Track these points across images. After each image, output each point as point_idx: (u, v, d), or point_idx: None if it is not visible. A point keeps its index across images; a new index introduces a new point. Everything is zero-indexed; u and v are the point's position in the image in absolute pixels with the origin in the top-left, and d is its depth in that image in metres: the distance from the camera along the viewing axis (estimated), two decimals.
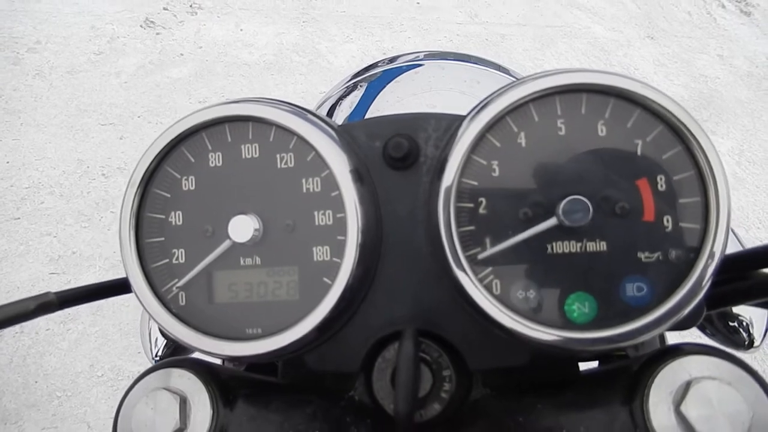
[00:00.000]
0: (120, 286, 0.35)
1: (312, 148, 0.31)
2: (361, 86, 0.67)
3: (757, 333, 0.48)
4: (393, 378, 0.30)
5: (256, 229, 0.30)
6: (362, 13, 2.94)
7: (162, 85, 2.41)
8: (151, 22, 2.66)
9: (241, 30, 2.73)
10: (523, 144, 0.29)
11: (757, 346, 0.49)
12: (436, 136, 0.32)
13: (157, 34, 2.62)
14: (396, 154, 0.31)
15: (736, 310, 0.50)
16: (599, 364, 0.41)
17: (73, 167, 2.05)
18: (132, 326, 1.69)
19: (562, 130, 0.29)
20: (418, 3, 3.06)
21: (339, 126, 0.32)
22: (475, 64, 0.66)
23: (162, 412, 0.31)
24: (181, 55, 2.56)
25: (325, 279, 0.30)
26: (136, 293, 0.30)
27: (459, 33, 2.90)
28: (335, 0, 2.98)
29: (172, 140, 0.32)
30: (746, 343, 0.49)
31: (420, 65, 0.67)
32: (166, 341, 0.53)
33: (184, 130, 0.31)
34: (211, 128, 0.32)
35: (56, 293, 0.33)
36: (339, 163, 0.30)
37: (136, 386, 0.32)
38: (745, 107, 2.67)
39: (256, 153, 0.31)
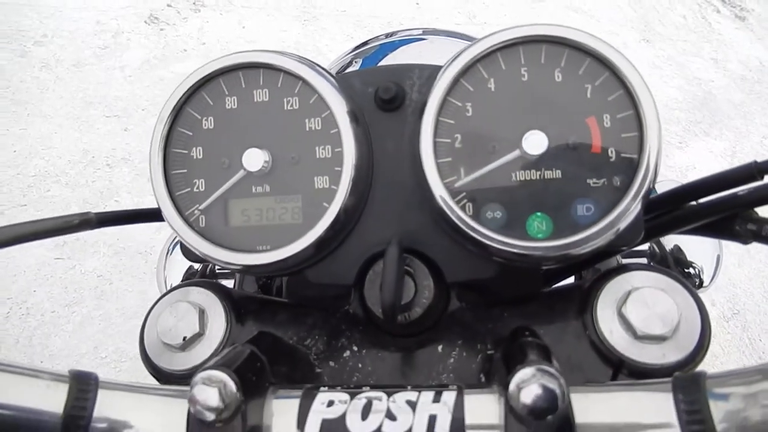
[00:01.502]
0: (151, 214, 0.40)
1: (315, 92, 0.36)
2: (356, 61, 0.73)
3: (707, 277, 0.55)
4: (381, 288, 0.35)
5: (265, 161, 0.36)
6: (362, 12, 3.00)
7: (166, 79, 2.46)
8: (155, 18, 2.72)
9: (244, 27, 2.79)
10: (492, 89, 0.35)
11: (706, 287, 0.55)
12: (419, 83, 0.37)
13: (161, 29, 2.68)
14: (386, 96, 0.36)
15: (691, 257, 0.56)
16: None
17: (78, 157, 2.11)
18: (134, 311, 1.75)
19: (525, 76, 0.35)
20: (417, 3, 3.12)
21: (338, 74, 0.38)
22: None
23: (183, 320, 0.36)
24: (185, 50, 2.61)
25: (324, 204, 0.35)
26: (165, 216, 0.36)
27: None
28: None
29: (193, 85, 0.37)
30: (697, 284, 0.55)
31: (420, 39, 0.73)
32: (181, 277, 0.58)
33: (204, 76, 0.37)
34: (228, 75, 0.37)
35: (96, 213, 0.39)
36: (338, 105, 0.35)
37: (161, 301, 0.38)
38: (738, 110, 2.73)
39: (266, 97, 0.37)
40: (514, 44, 0.35)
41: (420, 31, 0.81)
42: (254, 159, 0.36)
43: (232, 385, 0.25)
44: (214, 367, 0.26)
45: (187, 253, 0.37)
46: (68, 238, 1.86)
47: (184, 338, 0.36)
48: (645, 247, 0.65)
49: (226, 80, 0.37)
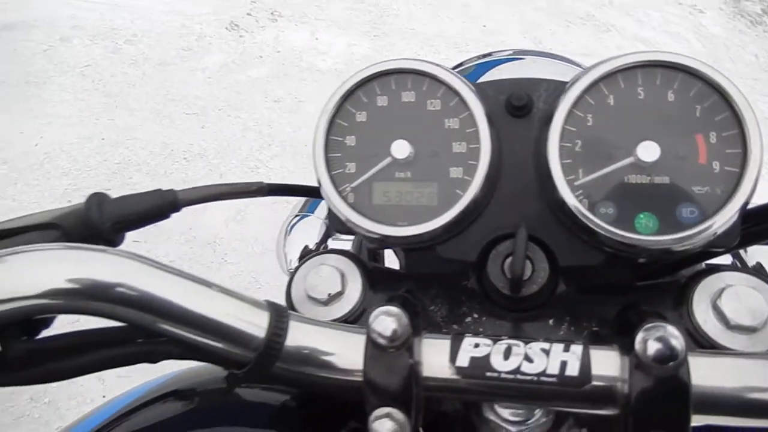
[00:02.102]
0: (310, 190, 0.47)
1: (456, 96, 0.42)
2: None
3: None
4: (502, 266, 0.41)
5: (410, 152, 0.42)
6: (430, 31, 3.09)
7: (242, 82, 2.60)
8: (236, 25, 2.87)
9: (317, 39, 2.91)
10: (612, 103, 0.41)
11: None
12: (546, 95, 0.43)
13: (240, 36, 2.83)
14: (518, 104, 0.42)
15: None
16: None
17: (158, 149, 2.24)
18: None
19: (641, 95, 0.40)
20: (484, 26, 3.19)
21: (474, 83, 0.44)
22: (569, 63, 0.77)
23: (327, 279, 0.43)
24: (260, 57, 2.75)
25: (458, 191, 0.42)
26: (324, 189, 0.43)
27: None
28: (406, 17, 3.14)
29: (352, 86, 0.44)
30: None
31: (515, 59, 0.79)
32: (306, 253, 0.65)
33: (362, 78, 0.44)
34: (381, 78, 0.44)
35: (267, 184, 0.46)
36: (477, 108, 0.42)
37: (306, 263, 0.45)
38: None
39: (412, 98, 0.43)
40: (633, 67, 0.40)
41: (511, 52, 0.87)
42: (401, 149, 0.42)
43: (405, 318, 0.31)
44: (392, 303, 0.32)
45: (336, 223, 0.44)
46: None
47: (329, 294, 0.42)
48: (728, 261, 0.69)
49: (380, 82, 0.44)
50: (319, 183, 0.43)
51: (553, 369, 0.31)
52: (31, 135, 2.21)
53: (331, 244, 0.63)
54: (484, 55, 0.86)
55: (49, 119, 2.27)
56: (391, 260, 0.63)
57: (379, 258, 0.67)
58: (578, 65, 0.76)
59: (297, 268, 0.45)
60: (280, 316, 0.34)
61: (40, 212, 0.37)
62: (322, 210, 0.66)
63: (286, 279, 0.46)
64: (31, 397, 1.61)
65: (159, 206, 0.40)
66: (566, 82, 0.43)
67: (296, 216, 0.66)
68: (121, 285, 0.31)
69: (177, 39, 2.70)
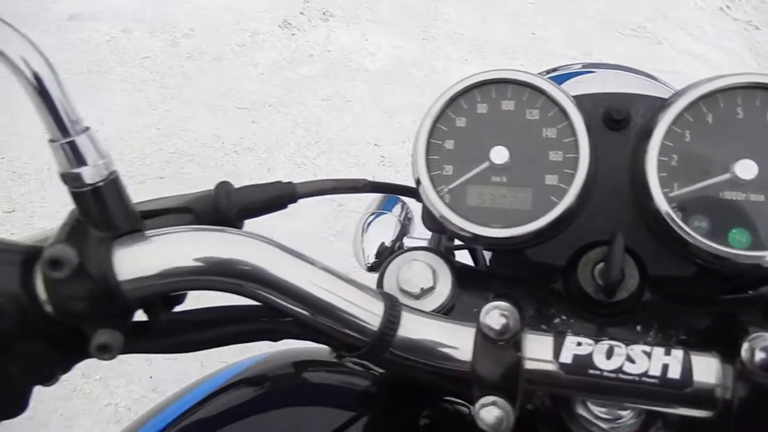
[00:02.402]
0: (408, 191, 0.49)
1: (556, 106, 0.44)
2: None
3: None
4: (592, 271, 0.43)
5: (508, 158, 0.44)
6: (479, 37, 3.09)
7: (292, 80, 2.65)
8: (289, 23, 2.93)
9: (366, 40, 2.94)
10: (710, 121, 0.42)
11: None
12: (643, 110, 0.45)
13: (293, 34, 2.88)
14: (617, 117, 0.44)
15: None
16: None
17: (210, 141, 2.31)
18: None
19: (740, 114, 0.42)
20: (532, 34, 3.18)
21: (573, 95, 0.46)
22: (643, 76, 0.78)
23: (419, 274, 0.45)
24: (311, 56, 2.80)
25: (553, 198, 0.43)
26: (424, 189, 0.45)
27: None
28: (455, 23, 3.15)
29: (454, 95, 0.46)
30: None
31: (586, 72, 0.80)
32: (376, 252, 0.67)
33: (465, 87, 0.46)
34: (482, 87, 0.46)
35: (370, 181, 0.49)
36: (578, 119, 0.43)
37: (398, 258, 0.47)
38: None
39: (512, 107, 0.45)
40: (733, 88, 0.42)
41: (580, 66, 0.88)
42: (499, 155, 0.44)
43: (516, 314, 0.34)
44: (502, 300, 0.34)
45: (430, 221, 0.46)
46: None
47: (421, 289, 0.45)
48: None
49: (481, 91, 0.46)
50: (418, 182, 0.45)
51: (655, 371, 0.33)
52: (91, 121, 2.26)
53: (407, 242, 0.66)
54: (554, 69, 0.87)
55: (109, 107, 2.35)
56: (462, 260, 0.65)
57: (453, 258, 0.69)
58: (652, 77, 0.77)
59: (388, 262, 0.47)
60: (393, 306, 0.36)
61: (174, 196, 0.40)
62: (398, 209, 0.68)
63: (364, 273, 0.48)
64: (83, 373, 1.67)
65: (279, 197, 0.43)
66: (664, 99, 0.44)
67: (372, 214, 0.68)
68: (258, 267, 0.34)
69: (232, 35, 2.77)
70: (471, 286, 0.46)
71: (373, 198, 0.71)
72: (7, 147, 2.15)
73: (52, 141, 0.32)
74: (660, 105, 0.44)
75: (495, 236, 0.43)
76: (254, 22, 2.88)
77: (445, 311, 0.44)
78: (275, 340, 0.38)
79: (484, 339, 0.34)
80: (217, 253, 0.33)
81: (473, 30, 3.11)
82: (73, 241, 0.31)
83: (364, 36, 2.96)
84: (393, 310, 0.36)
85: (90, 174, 0.32)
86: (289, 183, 0.44)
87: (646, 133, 0.43)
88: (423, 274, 0.45)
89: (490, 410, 0.33)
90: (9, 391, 0.32)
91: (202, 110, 2.42)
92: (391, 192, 0.51)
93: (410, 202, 0.77)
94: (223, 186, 0.41)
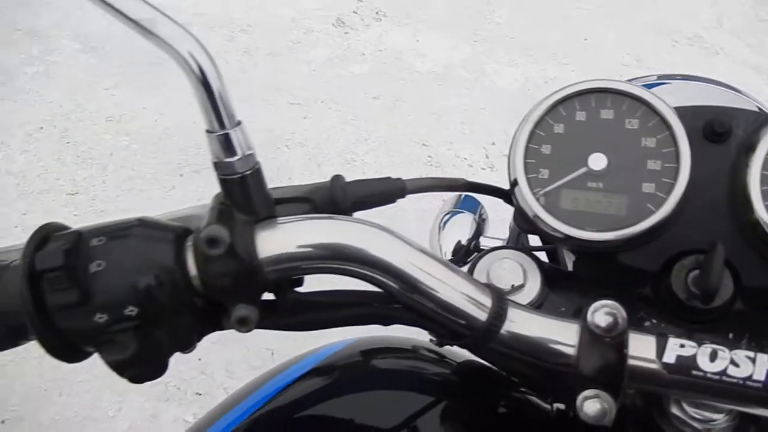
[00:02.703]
0: (501, 193, 0.51)
1: (657, 116, 0.45)
2: None
3: None
4: (686, 278, 0.43)
5: (605, 164, 0.45)
6: (530, 40, 3.07)
7: (344, 78, 2.68)
8: (342, 22, 2.96)
9: (417, 41, 2.96)
10: None
11: None
12: (744, 125, 0.45)
13: (345, 33, 2.91)
14: (719, 130, 0.45)
15: None
16: None
17: (263, 135, 2.36)
18: None
19: None
20: (585, 39, 3.14)
21: (673, 107, 0.46)
22: (723, 87, 0.78)
23: (510, 272, 0.46)
24: (363, 54, 2.83)
25: (649, 206, 0.44)
26: (521, 191, 0.46)
27: (622, 74, 2.94)
28: (506, 26, 3.14)
29: (554, 102, 0.47)
30: None
31: (662, 83, 0.80)
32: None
33: (566, 95, 0.47)
34: (581, 96, 0.47)
35: (468, 181, 0.50)
36: (680, 130, 0.44)
37: (488, 255, 0.48)
38: None
39: (611, 116, 0.46)
40: None
41: (655, 77, 0.88)
42: (598, 161, 0.45)
43: (623, 313, 0.35)
44: (608, 298, 0.35)
45: (523, 221, 0.47)
46: None
47: (512, 286, 0.46)
48: None
49: (580, 99, 0.47)
50: (515, 183, 0.47)
51: (760, 375, 0.34)
52: (151, 111, 2.37)
53: (483, 241, 0.67)
54: (631, 80, 0.87)
55: (168, 98, 2.42)
56: None
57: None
58: (732, 89, 0.76)
59: (478, 258, 0.48)
60: (501, 299, 0.38)
61: (292, 186, 0.43)
62: (474, 209, 0.70)
63: None
64: (177, 362, 1.73)
65: (390, 192, 0.45)
66: (766, 114, 0.45)
67: (448, 213, 0.70)
68: (381, 256, 0.36)
69: (287, 32, 2.82)
70: (558, 287, 0.47)
71: (449, 197, 0.73)
72: (72, 132, 2.25)
73: (209, 132, 0.36)
74: (764, 120, 0.44)
75: (589, 239, 0.44)
76: (309, 20, 2.93)
77: (535, 308, 0.45)
78: (386, 324, 0.40)
79: (590, 335, 0.35)
80: (345, 240, 0.36)
81: (525, 33, 3.09)
82: (224, 223, 0.34)
83: (416, 36, 2.97)
84: (500, 303, 0.38)
85: (239, 164, 0.36)
86: (399, 179, 0.46)
87: (749, 147, 0.43)
88: (514, 271, 0.47)
89: (593, 403, 0.35)
90: (156, 357, 0.35)
91: (256, 104, 2.47)
92: (484, 192, 0.53)
93: (485, 203, 0.78)
94: (338, 179, 0.44)
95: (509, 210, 0.49)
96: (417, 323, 0.40)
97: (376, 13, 3.08)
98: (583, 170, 0.46)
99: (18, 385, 1.63)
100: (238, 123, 0.36)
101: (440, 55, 2.90)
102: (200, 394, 1.68)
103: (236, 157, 0.36)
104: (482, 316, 0.37)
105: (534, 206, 0.45)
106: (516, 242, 0.65)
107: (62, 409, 1.61)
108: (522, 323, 0.38)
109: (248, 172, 0.36)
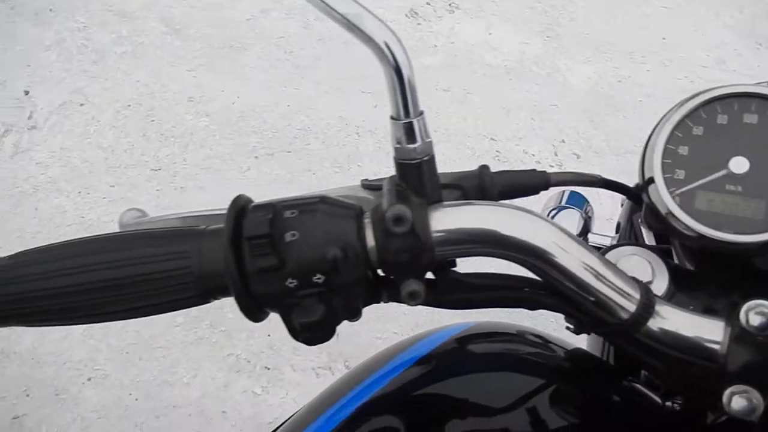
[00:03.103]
0: (626, 189, 0.51)
1: None
2: None
3: None
4: None
5: (748, 168, 0.45)
6: (605, 38, 2.99)
7: (415, 69, 2.66)
8: (415, 13, 2.96)
9: (490, 34, 2.93)
10: None
11: None
12: None
13: (418, 24, 2.91)
14: None
15: None
16: None
17: (334, 121, 2.40)
18: None
19: None
20: (663, 39, 3.03)
21: None
22: None
23: (638, 268, 0.47)
24: (435, 46, 2.82)
25: None
26: (657, 188, 0.46)
27: (701, 75, 2.84)
28: (581, 22, 3.06)
29: (695, 106, 0.47)
30: None
31: None
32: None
33: (709, 98, 0.47)
34: (724, 100, 0.47)
35: (603, 177, 0.51)
36: None
37: (614, 251, 0.49)
38: None
39: (755, 120, 0.46)
40: None
41: None
42: (739, 165, 0.45)
43: None
44: (758, 298, 0.36)
45: (654, 219, 0.47)
46: (318, 187, 2.14)
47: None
48: None
49: (722, 103, 0.47)
50: (650, 181, 0.47)
51: None
52: (230, 94, 2.44)
53: (591, 238, 0.67)
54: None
55: (245, 82, 2.49)
56: None
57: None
58: None
59: (603, 254, 0.49)
60: (648, 293, 0.39)
61: (442, 174, 0.45)
62: (582, 205, 0.70)
63: None
64: (210, 323, 1.81)
65: (535, 184, 0.47)
66: None
67: (555, 208, 0.70)
68: (539, 244, 0.38)
69: None
70: (683, 285, 0.47)
71: (554, 192, 0.73)
72: (157, 111, 2.34)
73: (394, 119, 0.40)
74: None
75: (725, 240, 0.44)
76: (382, 9, 2.93)
77: None
78: (532, 309, 0.42)
79: (741, 333, 0.36)
80: (510, 228, 0.38)
81: (600, 30, 3.01)
82: (405, 204, 0.36)
83: (488, 30, 2.94)
84: (648, 296, 0.39)
85: (418, 150, 0.39)
86: (544, 171, 0.47)
87: None
88: (642, 268, 0.47)
89: (741, 398, 0.35)
90: (331, 323, 0.38)
91: (328, 92, 2.51)
92: (616, 190, 0.53)
93: (592, 199, 0.78)
94: (485, 169, 0.46)
95: (609, 207, 0.50)
96: (562, 309, 0.42)
97: (449, 5, 3.06)
98: (722, 173, 0.46)
99: (104, 345, 1.73)
100: (421, 113, 0.39)
101: (512, 49, 2.86)
102: (268, 369, 1.74)
103: (416, 144, 0.38)
104: (630, 307, 0.39)
105: (669, 204, 0.46)
106: (628, 239, 0.65)
107: (142, 372, 1.71)
108: (668, 317, 0.39)
109: (425, 159, 0.39)
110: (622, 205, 0.72)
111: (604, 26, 3.06)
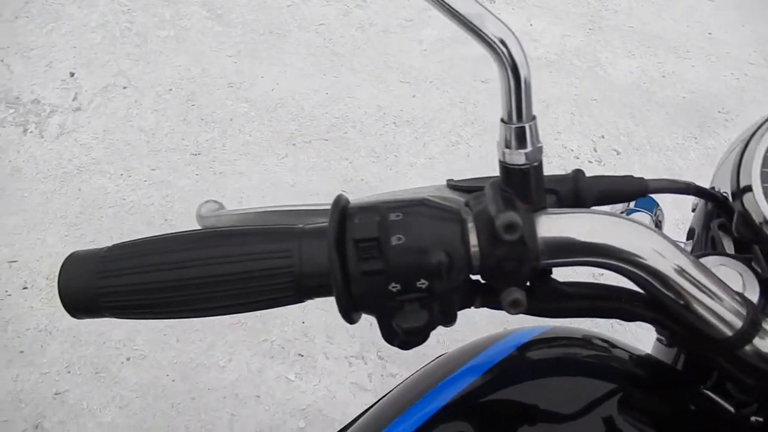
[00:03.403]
0: (711, 195, 0.48)
1: None
2: None
3: None
4: None
5: None
6: (649, 31, 2.89)
7: (453, 59, 2.63)
8: None
9: (531, 25, 2.85)
10: None
11: None
12: None
13: None
14: None
15: None
16: None
17: (372, 111, 2.37)
18: None
19: None
20: (709, 34, 2.92)
21: None
22: None
23: (728, 279, 0.44)
24: None
25: None
26: (755, 197, 0.43)
27: (747, 73, 2.73)
28: (625, 14, 2.96)
29: None
30: None
31: None
32: None
33: None
34: None
35: (696, 185, 0.47)
36: None
37: (702, 260, 0.45)
38: None
39: None
40: None
41: None
42: None
43: None
44: None
45: (747, 229, 0.44)
46: (354, 176, 2.12)
47: None
48: None
49: None
50: (747, 189, 0.44)
51: None
52: (269, 80, 2.43)
53: None
54: None
55: (285, 68, 2.47)
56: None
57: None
58: None
59: None
60: (755, 310, 0.37)
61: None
62: (652, 208, 0.67)
63: None
64: (282, 323, 1.79)
65: (633, 191, 0.44)
66: None
67: (624, 211, 0.67)
68: (650, 258, 0.36)
69: (401, 9, 2.79)
70: None
71: None
72: (197, 96, 2.34)
73: (505, 122, 0.37)
74: None
75: None
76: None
77: None
78: (629, 320, 0.41)
79: None
80: (620, 240, 0.36)
81: (644, 24, 2.91)
82: (514, 211, 0.34)
83: (529, 21, 2.86)
84: (756, 313, 0.37)
85: (527, 156, 0.37)
86: (641, 178, 0.45)
87: None
88: (732, 279, 0.45)
89: None
90: (430, 329, 0.36)
91: (367, 80, 2.48)
92: (707, 199, 0.50)
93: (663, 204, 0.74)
94: (581, 173, 0.44)
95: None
96: (661, 323, 0.40)
97: None
98: None
99: (142, 326, 1.74)
100: (533, 117, 0.37)
101: (553, 41, 2.78)
102: (302, 356, 1.74)
103: (526, 150, 0.37)
104: (736, 323, 0.36)
105: (767, 213, 0.43)
106: (704, 247, 0.62)
107: (179, 354, 1.72)
108: None
109: (534, 165, 0.37)
110: (693, 210, 0.69)
111: (649, 19, 2.95)
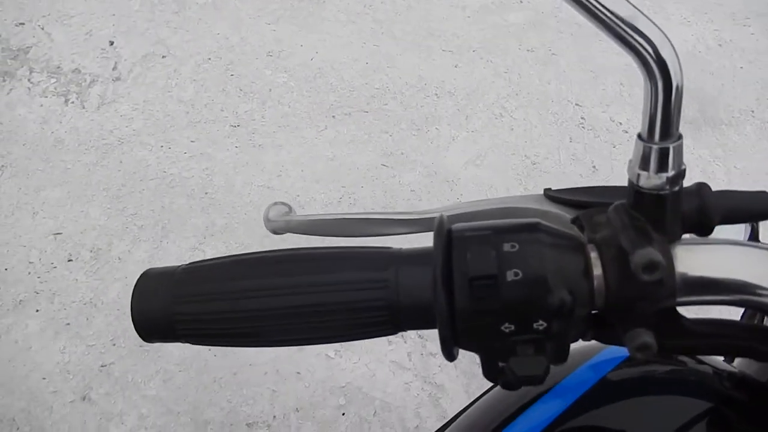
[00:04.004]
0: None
1: None
2: None
3: None
4: None
5: None
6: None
7: (498, 26, 2.46)
8: None
9: None
10: None
11: None
12: None
13: None
14: None
15: None
16: None
17: (414, 81, 2.24)
18: None
19: None
20: (752, 34, 2.67)
21: None
22: None
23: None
24: (521, 2, 2.57)
25: None
26: None
27: None
28: None
29: None
30: None
31: None
32: None
33: None
34: None
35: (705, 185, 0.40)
36: None
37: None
38: None
39: None
40: None
41: None
42: None
43: None
44: None
45: None
46: (395, 150, 2.01)
47: None
48: None
49: None
50: None
51: None
52: (308, 49, 2.31)
53: None
54: None
55: (324, 37, 2.35)
56: None
57: None
58: None
59: None
60: None
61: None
62: None
63: None
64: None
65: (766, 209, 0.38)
66: None
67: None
68: None
69: None
70: None
71: None
72: (236, 65, 2.24)
73: (643, 140, 0.30)
74: None
75: None
76: None
77: None
78: (761, 360, 0.38)
79: None
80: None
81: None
82: (651, 245, 0.28)
83: None
84: None
85: (668, 181, 0.30)
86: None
87: None
88: None
89: None
90: (542, 377, 0.30)
91: (408, 49, 2.34)
92: None
93: None
94: (706, 187, 0.37)
95: None
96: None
97: None
98: None
99: None
100: (680, 137, 0.30)
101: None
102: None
103: (667, 174, 0.30)
104: None
105: None
106: None
107: None
108: None
109: (674, 190, 0.31)
110: None
111: None
